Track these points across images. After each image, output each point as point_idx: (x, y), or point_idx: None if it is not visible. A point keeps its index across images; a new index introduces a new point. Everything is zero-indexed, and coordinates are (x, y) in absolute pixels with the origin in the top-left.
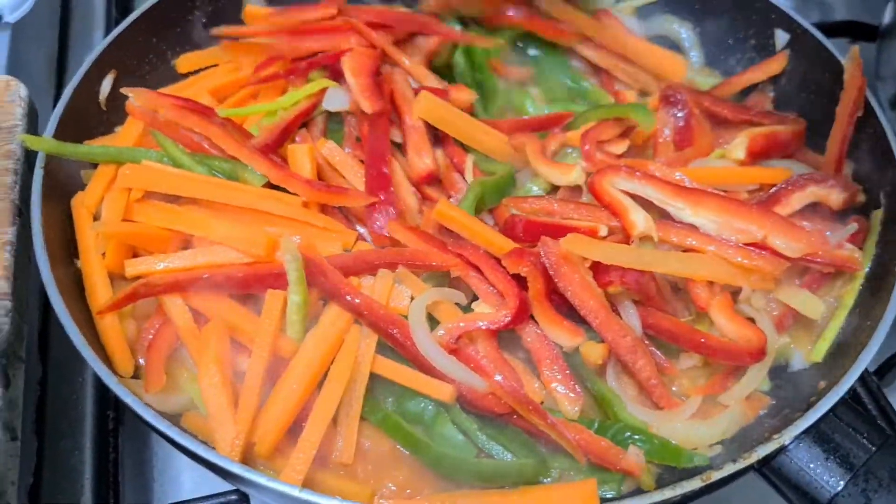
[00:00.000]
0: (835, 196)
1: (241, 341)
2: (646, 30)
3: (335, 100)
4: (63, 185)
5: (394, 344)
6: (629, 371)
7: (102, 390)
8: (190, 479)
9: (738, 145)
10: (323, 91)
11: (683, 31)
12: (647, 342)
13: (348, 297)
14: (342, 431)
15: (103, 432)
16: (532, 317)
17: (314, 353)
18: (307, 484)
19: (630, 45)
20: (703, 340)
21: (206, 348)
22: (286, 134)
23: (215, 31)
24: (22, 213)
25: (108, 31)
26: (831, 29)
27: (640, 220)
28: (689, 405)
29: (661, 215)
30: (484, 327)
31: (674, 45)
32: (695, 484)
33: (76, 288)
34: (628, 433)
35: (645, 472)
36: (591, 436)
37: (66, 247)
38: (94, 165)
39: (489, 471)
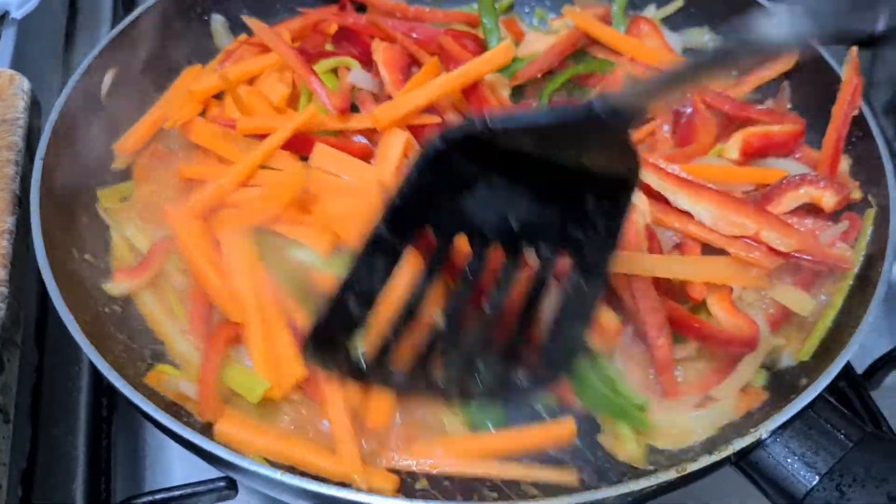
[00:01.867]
0: (828, 197)
1: None
2: (676, 41)
3: (361, 79)
4: (63, 176)
5: None
6: (649, 346)
7: (97, 379)
8: (181, 467)
9: (733, 144)
10: None
11: (712, 40)
12: None
13: None
14: None
15: (97, 419)
16: None
17: None
18: None
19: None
20: (698, 326)
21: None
22: None
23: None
24: (22, 202)
25: (114, 25)
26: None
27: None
28: (693, 397)
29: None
30: None
31: None
32: (670, 475)
33: (74, 277)
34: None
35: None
36: None
37: (65, 236)
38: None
39: None
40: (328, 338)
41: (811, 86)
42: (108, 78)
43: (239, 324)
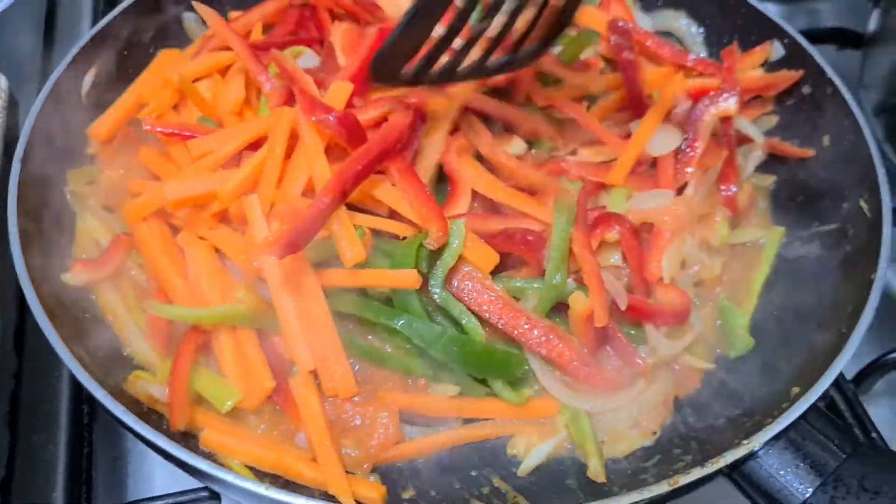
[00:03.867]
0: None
1: None
2: (650, 25)
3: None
4: (41, 178)
5: None
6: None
7: (77, 385)
8: (161, 477)
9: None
10: None
11: (689, 25)
12: None
13: None
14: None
15: (77, 427)
16: None
17: None
18: None
19: None
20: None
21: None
22: None
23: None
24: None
25: (94, 22)
26: (818, 36)
27: None
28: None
29: None
30: None
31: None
32: (662, 488)
33: (52, 283)
34: None
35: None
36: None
37: (43, 241)
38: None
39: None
40: (388, 62)
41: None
42: (89, 76)
43: (207, 331)
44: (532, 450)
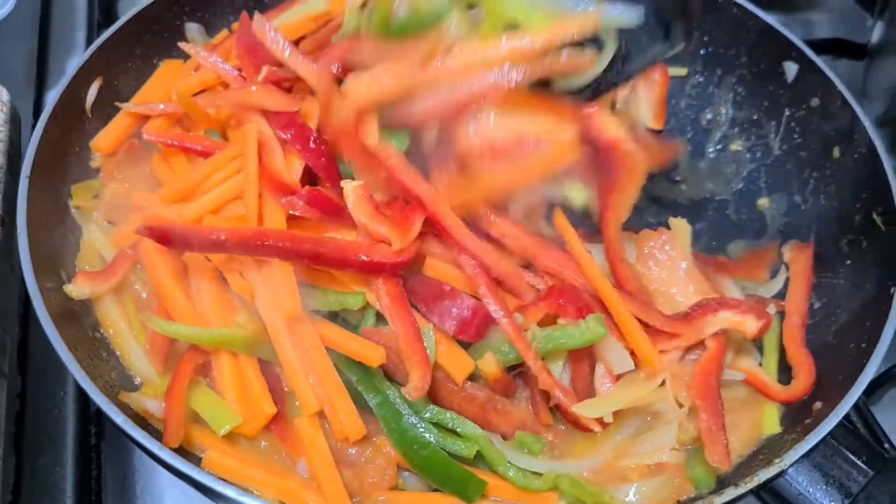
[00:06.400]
0: (749, 323)
1: None
2: None
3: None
4: (49, 193)
5: None
6: None
7: (84, 404)
8: (172, 497)
9: None
10: None
11: None
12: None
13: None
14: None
15: (85, 448)
16: None
17: None
18: None
19: None
20: None
21: None
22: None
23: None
24: (5, 222)
25: (89, 33)
26: (814, 47)
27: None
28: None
29: None
30: None
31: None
32: None
33: (62, 302)
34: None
35: None
36: None
37: (53, 258)
38: (84, 179)
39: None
40: None
41: None
42: (93, 88)
43: (208, 351)
44: None
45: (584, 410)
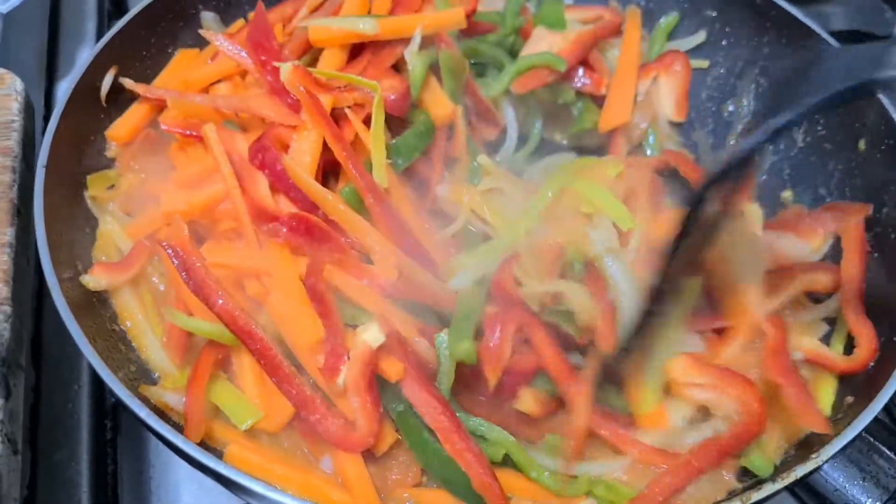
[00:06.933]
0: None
1: None
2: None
3: None
4: (64, 183)
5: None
6: None
7: (99, 398)
8: (188, 492)
9: None
10: None
11: None
12: None
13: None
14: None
15: (100, 442)
16: None
17: None
18: None
19: None
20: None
21: None
22: None
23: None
24: (21, 212)
25: (100, 22)
26: (835, 39)
27: None
28: None
29: None
30: None
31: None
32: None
33: (80, 293)
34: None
35: None
36: None
37: (69, 249)
38: (99, 168)
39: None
40: None
41: None
42: (108, 77)
43: (227, 346)
44: None
45: None
